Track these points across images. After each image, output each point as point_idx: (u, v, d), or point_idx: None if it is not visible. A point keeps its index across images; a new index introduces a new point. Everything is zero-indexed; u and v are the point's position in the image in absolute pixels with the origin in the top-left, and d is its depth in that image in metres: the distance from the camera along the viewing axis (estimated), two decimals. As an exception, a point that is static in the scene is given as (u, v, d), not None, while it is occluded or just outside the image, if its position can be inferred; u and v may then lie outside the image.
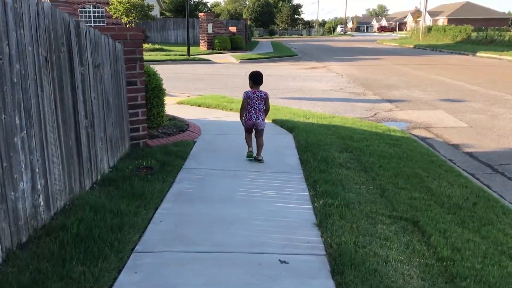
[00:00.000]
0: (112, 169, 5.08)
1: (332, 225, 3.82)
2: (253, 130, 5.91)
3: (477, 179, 6.15)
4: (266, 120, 8.45)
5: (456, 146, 7.88)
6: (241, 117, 5.94)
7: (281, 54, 30.11)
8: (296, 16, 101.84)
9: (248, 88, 5.98)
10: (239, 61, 25.18)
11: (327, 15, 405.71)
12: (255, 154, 5.86)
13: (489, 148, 7.73)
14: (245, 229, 3.79)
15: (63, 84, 3.87)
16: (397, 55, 32.14)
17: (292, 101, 12.14)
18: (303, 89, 14.77)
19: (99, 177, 4.72)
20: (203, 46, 31.68)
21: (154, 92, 6.64)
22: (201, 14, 31.39)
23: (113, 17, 30.29)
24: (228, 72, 19.88)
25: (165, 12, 61.48)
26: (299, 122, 8.08)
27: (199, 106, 9.99)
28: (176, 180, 4.95)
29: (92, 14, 37.24)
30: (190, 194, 4.59)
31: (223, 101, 10.41)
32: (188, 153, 5.96)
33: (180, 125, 7.39)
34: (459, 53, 33.27)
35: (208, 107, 9.84)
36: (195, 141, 6.70)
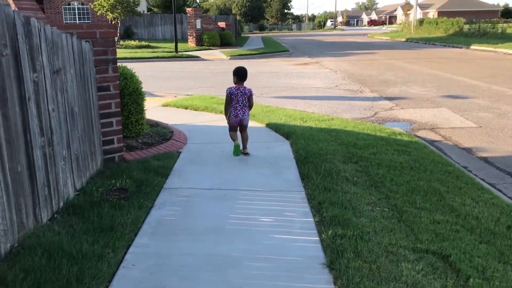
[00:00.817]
0: (80, 192, 4.29)
1: (346, 267, 3.07)
2: (238, 126, 5.90)
3: (499, 190, 5.44)
4: (260, 124, 7.72)
5: (468, 150, 7.16)
6: (226, 113, 5.93)
7: (272, 49, 29.29)
8: (285, 11, 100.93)
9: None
10: (229, 57, 24.35)
11: (316, 9, 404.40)
12: (241, 147, 5.88)
13: (505, 152, 7.02)
14: (239, 275, 3.02)
15: (7, 96, 3.07)
16: (390, 49, 31.46)
17: (286, 101, 11.37)
18: (296, 87, 14.01)
19: (61, 204, 3.93)
20: (191, 42, 30.78)
21: (132, 97, 5.85)
22: (189, 9, 30.48)
23: (98, 14, 29.32)
24: (218, 69, 19.06)
25: (152, 8, 60.37)
26: (295, 127, 7.32)
27: (186, 108, 9.19)
28: (156, 204, 4.17)
29: (77, 11, 36.16)
30: (172, 223, 3.81)
31: (212, 102, 9.62)
32: (171, 168, 5.17)
33: (163, 133, 6.59)
34: (453, 46, 32.66)
35: (195, 109, 9.04)
36: (180, 152, 5.92)
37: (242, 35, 54.04)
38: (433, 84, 14.26)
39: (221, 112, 8.67)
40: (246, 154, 5.83)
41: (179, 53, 24.64)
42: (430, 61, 21.59)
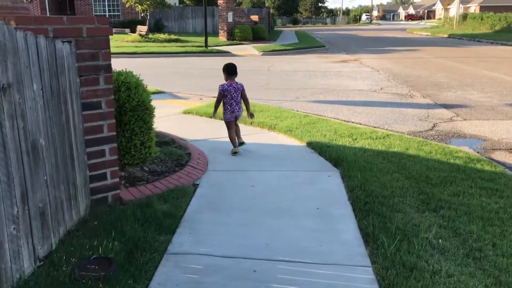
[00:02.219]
0: (45, 261, 2.95)
1: None
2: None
3: None
4: (298, 142, 6.28)
5: None
6: (214, 110, 6.07)
7: (307, 45, 27.64)
8: (320, 4, 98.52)
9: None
10: (262, 53, 22.89)
11: (351, 3, 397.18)
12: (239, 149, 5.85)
13: None
14: None
15: None
16: (433, 45, 29.35)
17: (327, 107, 9.88)
18: (336, 88, 12.46)
19: (7, 291, 2.59)
20: (222, 37, 29.42)
21: (136, 113, 4.50)
22: (220, 2, 29.08)
23: (127, 6, 28.32)
24: (249, 66, 17.63)
25: (185, 1, 59.42)
26: (345, 148, 5.83)
27: (210, 117, 7.81)
28: (151, 289, 2.79)
29: (107, 3, 35.34)
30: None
31: (241, 109, 8.24)
32: (180, 216, 3.78)
33: (178, 155, 5.21)
34: (501, 44, 30.30)
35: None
36: (197, 186, 4.53)
37: (275, 28, 52.48)
38: (494, 88, 12.47)
39: (251, 123, 7.27)
40: (242, 144, 5.91)
41: (208, 48, 23.34)
42: (483, 61, 19.61)
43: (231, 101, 5.81)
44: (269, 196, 4.33)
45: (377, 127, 7.83)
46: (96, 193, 3.80)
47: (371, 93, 11.89)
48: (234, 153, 5.76)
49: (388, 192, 4.32)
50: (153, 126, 4.88)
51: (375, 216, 3.74)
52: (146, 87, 4.84)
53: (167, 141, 5.73)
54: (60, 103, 3.23)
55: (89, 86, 3.60)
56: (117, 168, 3.89)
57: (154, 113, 4.83)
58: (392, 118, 8.89)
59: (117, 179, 3.92)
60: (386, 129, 7.74)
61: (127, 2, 26.97)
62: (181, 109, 8.56)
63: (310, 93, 11.81)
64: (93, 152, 3.71)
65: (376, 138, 6.52)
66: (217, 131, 6.86)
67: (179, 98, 10.78)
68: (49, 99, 3.07)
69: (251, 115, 6.10)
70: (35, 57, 2.89)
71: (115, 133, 3.82)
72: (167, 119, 7.61)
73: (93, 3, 34.75)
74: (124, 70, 4.79)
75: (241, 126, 7.23)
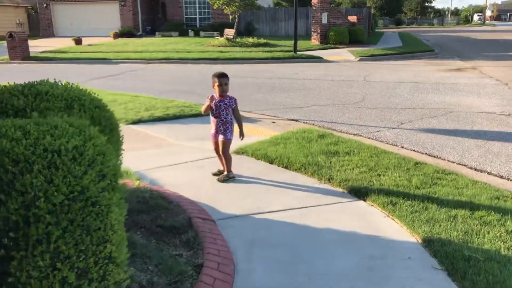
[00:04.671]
0: None
1: None
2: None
3: None
4: (406, 235, 3.55)
5: None
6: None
7: (413, 49, 24.02)
8: (426, 4, 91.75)
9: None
10: (358, 58, 19.90)
11: (460, 3, 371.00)
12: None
13: None
14: None
15: None
16: None
17: (444, 139, 6.97)
18: (455, 109, 9.35)
19: None
20: (315, 40, 26.70)
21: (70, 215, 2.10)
22: (314, 1, 26.39)
23: (214, 8, 26.72)
24: (341, 76, 14.84)
25: (281, 2, 57.38)
26: (504, 262, 3.01)
27: (271, 162, 5.29)
28: None
29: (197, 5, 34.19)
30: None
31: (319, 149, 5.61)
32: None
33: (178, 272, 2.75)
34: None
35: (286, 167, 5.12)
36: None
37: (376, 30, 48.56)
38: None
39: (329, 179, 4.64)
40: (224, 180, 4.78)
41: (298, 52, 20.80)
42: None
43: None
44: None
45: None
46: None
47: (505, 118, 8.65)
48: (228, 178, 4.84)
49: None
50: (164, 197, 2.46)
51: None
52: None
53: (177, 226, 3.32)
54: None
55: None
56: None
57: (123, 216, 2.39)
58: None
59: None
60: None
61: (214, 3, 25.31)
62: (237, 143, 6.12)
63: (419, 115, 8.86)
64: None
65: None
66: (275, 194, 4.32)
67: (246, 121, 8.35)
68: None
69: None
70: None
71: None
72: (202, 165, 5.26)
73: (183, 5, 33.76)
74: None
75: (308, 178, 4.61)
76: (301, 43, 23.23)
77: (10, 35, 20.32)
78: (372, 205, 4.07)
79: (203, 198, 4.14)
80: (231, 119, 4.86)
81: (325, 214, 3.87)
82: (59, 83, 3.42)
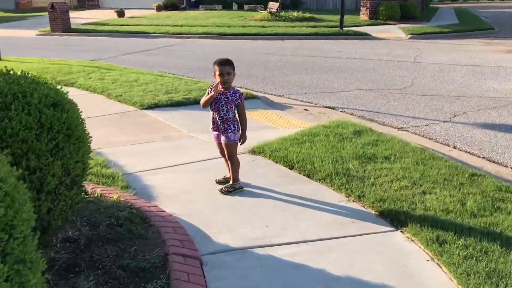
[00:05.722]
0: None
1: None
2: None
3: None
4: None
5: None
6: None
7: (470, 27, 22.06)
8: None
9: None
10: (409, 36, 18.38)
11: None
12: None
13: None
14: None
15: None
16: None
17: (505, 138, 5.96)
18: (519, 101, 8.08)
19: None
20: (364, 15, 25.14)
21: None
22: (364, -26, 24.72)
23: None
24: (389, 55, 13.56)
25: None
26: None
27: (292, 168, 4.39)
28: None
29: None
30: None
31: (354, 149, 4.67)
32: None
33: None
34: None
35: (309, 175, 4.21)
36: None
37: (431, 5, 45.77)
38: None
39: (360, 195, 3.71)
40: (228, 191, 4.02)
41: (344, 28, 19.48)
42: None
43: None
44: None
45: None
46: None
47: None
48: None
49: None
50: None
51: None
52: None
53: (145, 268, 2.54)
54: None
55: None
56: None
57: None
58: None
59: None
60: None
61: (257, -25, 24.15)
62: (257, 137, 5.20)
63: (475, 105, 7.70)
64: None
65: None
66: (283, 216, 3.43)
67: (275, 107, 7.50)
68: None
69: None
70: None
71: None
72: (208, 168, 4.42)
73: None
74: None
75: (334, 193, 3.69)
76: (348, 18, 21.82)
77: (52, 6, 19.99)
78: (413, 240, 3.12)
79: (196, 218, 3.34)
80: (234, 116, 4.04)
81: (348, 253, 2.98)
82: (5, 70, 2.62)
